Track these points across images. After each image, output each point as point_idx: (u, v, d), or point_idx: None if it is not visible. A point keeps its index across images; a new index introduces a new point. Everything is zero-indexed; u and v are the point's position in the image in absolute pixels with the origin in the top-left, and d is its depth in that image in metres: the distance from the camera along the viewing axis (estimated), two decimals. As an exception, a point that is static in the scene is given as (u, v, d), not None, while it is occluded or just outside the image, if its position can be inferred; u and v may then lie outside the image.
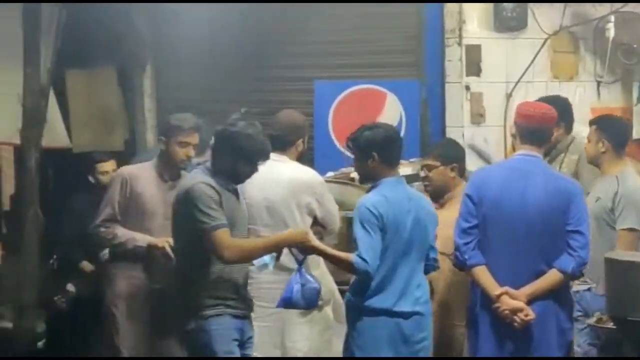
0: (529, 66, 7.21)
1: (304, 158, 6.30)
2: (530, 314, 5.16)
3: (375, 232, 5.19)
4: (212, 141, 5.27)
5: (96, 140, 8.09)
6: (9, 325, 7.01)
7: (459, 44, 7.12)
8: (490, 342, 5.27)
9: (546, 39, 7.30)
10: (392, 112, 7.14)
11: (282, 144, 5.82)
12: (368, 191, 5.42)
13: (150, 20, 8.02)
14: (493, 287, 5.20)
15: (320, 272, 5.78)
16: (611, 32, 7.36)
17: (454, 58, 7.14)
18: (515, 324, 5.17)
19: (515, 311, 5.16)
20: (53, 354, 6.99)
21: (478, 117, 7.10)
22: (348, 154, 6.99)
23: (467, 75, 7.13)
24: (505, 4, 7.08)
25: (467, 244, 5.25)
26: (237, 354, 5.23)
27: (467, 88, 7.12)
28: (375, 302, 5.28)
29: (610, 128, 5.98)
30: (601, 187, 5.90)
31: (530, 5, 7.20)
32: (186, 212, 5.12)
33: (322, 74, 7.33)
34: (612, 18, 7.34)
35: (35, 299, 6.80)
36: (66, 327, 7.18)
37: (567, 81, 7.47)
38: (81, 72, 8.19)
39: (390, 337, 5.28)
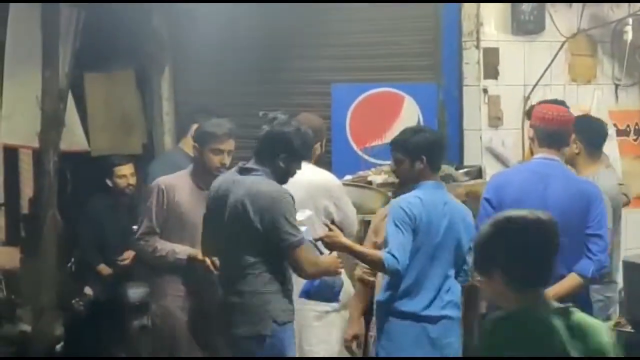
0: (546, 69, 7.19)
1: (322, 161, 6.30)
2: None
3: (407, 232, 5.19)
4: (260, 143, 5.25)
5: (114, 143, 8.11)
6: (27, 328, 7.04)
7: (477, 46, 7.10)
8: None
9: (564, 42, 7.28)
10: (409, 115, 7.12)
11: None
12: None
13: (169, 23, 8.04)
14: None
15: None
16: (629, 35, 7.34)
17: (472, 61, 7.12)
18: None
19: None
20: (71, 356, 7.01)
21: (496, 120, 7.09)
22: (366, 157, 7.03)
23: (485, 78, 7.10)
24: (523, 7, 7.06)
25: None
26: None
27: (485, 91, 7.10)
28: (403, 305, 5.28)
29: (584, 129, 5.95)
30: None
31: (548, 8, 7.18)
32: (269, 220, 5.05)
33: (339, 77, 7.32)
34: (630, 21, 7.32)
35: (53, 302, 6.83)
36: (84, 330, 7.20)
37: (585, 84, 7.44)
38: (100, 74, 8.22)
39: (417, 341, 5.27)
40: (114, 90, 8.25)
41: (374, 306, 5.48)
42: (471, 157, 7.07)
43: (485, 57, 7.08)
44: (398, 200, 5.34)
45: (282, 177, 5.23)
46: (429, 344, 5.28)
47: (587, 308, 5.34)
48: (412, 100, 7.15)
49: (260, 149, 5.22)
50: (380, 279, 5.45)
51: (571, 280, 5.21)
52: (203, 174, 5.83)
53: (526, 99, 7.10)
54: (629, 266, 5.40)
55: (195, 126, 6.91)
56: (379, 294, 5.44)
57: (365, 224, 6.12)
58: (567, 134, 5.39)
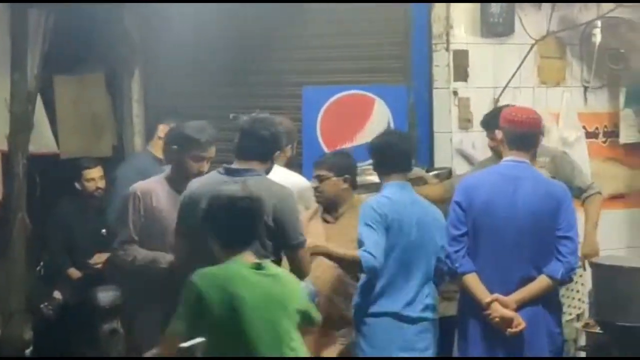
0: (516, 71, 7.21)
1: (293, 164, 6.30)
2: (521, 322, 5.18)
3: (380, 230, 5.26)
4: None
5: (84, 146, 8.06)
6: (-4, 332, 6.99)
7: (447, 49, 7.11)
8: (481, 346, 5.29)
9: (533, 45, 7.31)
10: (380, 118, 7.13)
11: None
12: None
13: (140, 25, 8.01)
14: (484, 294, 5.21)
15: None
16: (598, 38, 7.37)
17: (442, 63, 7.13)
18: (507, 333, 5.18)
19: (505, 319, 5.17)
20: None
21: (466, 123, 7.10)
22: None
23: (455, 80, 7.12)
24: (492, 10, 7.08)
25: (457, 251, 5.26)
26: None
27: (455, 93, 7.12)
28: (381, 305, 5.32)
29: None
30: None
31: (517, 10, 7.20)
32: (280, 218, 4.93)
33: (310, 80, 7.31)
34: (599, 23, 7.35)
35: (22, 306, 6.78)
36: (53, 334, 7.16)
37: (554, 86, 7.47)
38: (69, 77, 8.17)
39: (394, 341, 5.30)
40: (84, 93, 8.20)
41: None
42: (441, 159, 7.08)
43: (455, 59, 7.10)
44: (367, 202, 5.37)
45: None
46: (405, 345, 5.31)
47: (556, 309, 5.39)
48: (382, 103, 7.16)
49: (254, 148, 5.08)
50: None
51: (541, 282, 5.24)
52: (180, 179, 5.53)
53: (496, 101, 7.11)
54: (598, 268, 5.43)
55: (162, 127, 6.87)
56: (355, 297, 5.46)
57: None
58: (536, 136, 5.41)
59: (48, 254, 7.47)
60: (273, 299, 4.39)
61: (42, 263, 7.49)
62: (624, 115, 7.71)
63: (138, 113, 8.19)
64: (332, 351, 5.80)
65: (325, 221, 5.92)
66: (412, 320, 5.35)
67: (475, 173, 5.62)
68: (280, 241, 4.96)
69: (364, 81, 7.23)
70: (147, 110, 8.18)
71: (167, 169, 5.82)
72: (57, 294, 7.30)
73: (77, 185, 7.35)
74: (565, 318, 6.45)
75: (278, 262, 4.94)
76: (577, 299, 6.61)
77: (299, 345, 4.46)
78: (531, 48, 7.30)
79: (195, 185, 5.16)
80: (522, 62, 7.26)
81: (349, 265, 5.41)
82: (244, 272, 4.40)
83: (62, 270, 7.33)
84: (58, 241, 7.36)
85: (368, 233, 5.24)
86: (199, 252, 4.93)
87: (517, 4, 7.18)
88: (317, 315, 4.64)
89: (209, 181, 5.09)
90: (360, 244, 5.24)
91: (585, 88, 7.60)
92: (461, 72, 7.12)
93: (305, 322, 4.53)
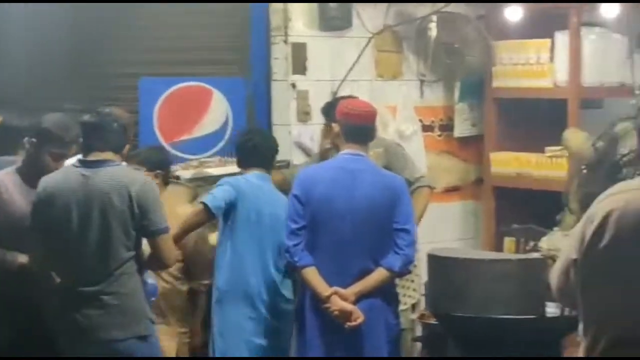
0: (353, 65, 7.27)
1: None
2: (360, 316, 5.22)
3: (227, 190, 5.74)
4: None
5: None
6: None
7: (285, 42, 7.11)
8: (320, 341, 5.31)
9: (370, 38, 7.38)
10: (218, 110, 7.09)
11: None
12: None
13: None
14: (323, 287, 5.23)
15: None
16: (433, 32, 7.48)
17: (280, 56, 7.14)
18: (346, 326, 5.22)
19: (344, 312, 5.20)
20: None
21: (304, 116, 7.12)
22: (174, 152, 6.95)
23: (294, 73, 7.13)
24: (330, 4, 7.12)
25: (296, 245, 5.27)
26: None
27: (294, 86, 7.13)
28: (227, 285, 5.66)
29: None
30: None
31: (355, 4, 7.27)
32: (144, 206, 4.84)
33: (147, 71, 7.20)
34: (434, 18, 7.46)
35: None
36: None
37: (391, 80, 7.56)
38: None
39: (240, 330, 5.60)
40: None
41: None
42: (280, 152, 7.06)
43: (294, 52, 7.11)
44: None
45: None
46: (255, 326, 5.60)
47: (393, 300, 5.45)
48: (220, 95, 7.12)
49: (107, 140, 4.95)
50: None
51: (379, 275, 5.29)
52: (34, 174, 5.16)
53: (334, 94, 7.15)
54: (433, 259, 5.51)
55: None
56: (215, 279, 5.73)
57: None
58: (373, 129, 5.46)
59: None
60: None
61: None
62: (458, 109, 7.86)
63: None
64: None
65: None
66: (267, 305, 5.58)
67: (313, 166, 5.64)
68: (145, 229, 4.88)
69: (202, 73, 7.16)
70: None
71: (17, 160, 5.50)
72: None
73: None
74: (401, 307, 6.55)
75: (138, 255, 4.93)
76: (412, 289, 6.70)
77: None
78: (368, 42, 7.37)
79: (50, 181, 4.94)
80: (360, 55, 7.32)
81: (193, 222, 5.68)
82: None
83: None
84: None
85: (216, 189, 5.71)
86: (54, 253, 4.85)
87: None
88: None
89: (66, 177, 4.91)
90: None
91: (422, 82, 7.71)
92: (300, 65, 7.13)
93: None
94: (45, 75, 7.41)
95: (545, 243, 5.96)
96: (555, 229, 6.12)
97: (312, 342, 5.31)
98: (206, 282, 5.95)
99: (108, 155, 4.91)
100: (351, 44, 7.32)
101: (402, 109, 7.53)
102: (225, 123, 7.11)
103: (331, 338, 5.29)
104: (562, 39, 7.33)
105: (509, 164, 7.63)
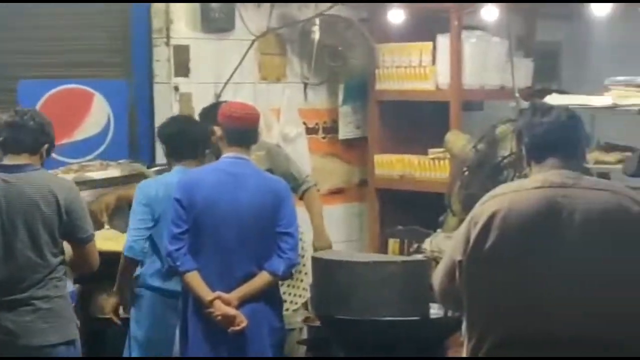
0: (237, 67, 7.24)
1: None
2: (243, 320, 5.19)
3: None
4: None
5: None
6: None
7: (167, 44, 7.05)
8: (203, 347, 5.25)
9: (253, 41, 7.35)
10: (99, 113, 6.99)
11: None
12: None
13: None
14: (205, 292, 5.18)
15: None
16: (317, 35, 7.50)
17: (162, 58, 7.07)
18: (229, 331, 5.18)
19: (228, 317, 5.17)
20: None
21: (188, 118, 7.07)
22: (55, 155, 6.82)
23: (176, 75, 7.07)
24: (213, 5, 7.08)
25: (178, 249, 5.21)
26: None
27: (176, 89, 7.07)
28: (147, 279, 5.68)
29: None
30: None
31: (238, 6, 7.23)
32: (74, 211, 4.80)
33: (27, 73, 7.06)
34: (317, 21, 7.48)
35: None
36: None
37: (275, 82, 7.55)
38: None
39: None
40: None
41: None
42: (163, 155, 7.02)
43: (176, 54, 7.05)
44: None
45: None
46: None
47: (277, 304, 5.43)
48: (101, 98, 7.02)
49: (29, 143, 4.85)
50: None
51: (262, 278, 5.25)
52: None
53: (217, 96, 7.12)
54: (318, 262, 5.50)
55: None
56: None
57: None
58: (256, 132, 5.44)
59: None
60: None
61: None
62: (342, 112, 7.89)
63: None
64: None
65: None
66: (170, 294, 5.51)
67: (195, 170, 5.58)
68: (73, 235, 4.84)
69: (83, 75, 7.06)
70: None
71: None
72: None
73: None
74: (292, 307, 6.54)
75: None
76: (302, 288, 6.71)
77: None
78: (252, 44, 7.35)
79: None
80: (243, 58, 7.29)
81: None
82: None
83: None
84: None
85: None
86: None
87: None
88: None
89: None
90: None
91: (305, 84, 7.72)
92: (182, 67, 7.08)
93: None
94: None
95: (428, 244, 6.01)
96: (439, 230, 6.17)
97: (195, 348, 5.25)
98: None
99: (25, 158, 4.84)
100: (234, 47, 7.29)
101: (286, 111, 7.53)
102: (107, 126, 7.02)
103: (215, 343, 5.24)
104: (443, 42, 7.41)
105: (392, 166, 7.69)
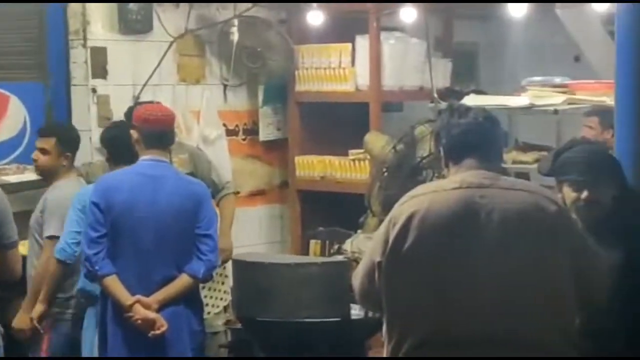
0: (155, 69, 7.18)
1: None
2: (163, 324, 5.15)
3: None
4: None
5: None
6: None
7: (84, 45, 6.97)
8: (123, 350, 5.21)
9: (172, 42, 7.30)
10: (15, 116, 6.88)
11: None
12: None
13: None
14: (125, 296, 5.14)
15: None
16: (235, 36, 7.47)
17: (79, 60, 6.98)
18: (149, 335, 5.14)
19: (148, 321, 5.12)
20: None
21: (105, 121, 6.98)
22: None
23: (93, 77, 6.98)
24: (130, 6, 7.01)
25: (97, 253, 5.15)
26: None
27: (94, 91, 6.99)
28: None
29: (65, 139, 6.06)
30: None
31: (156, 7, 7.18)
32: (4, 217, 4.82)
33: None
34: (236, 22, 7.46)
35: None
36: None
37: (194, 84, 7.50)
38: None
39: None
40: None
41: None
42: (82, 157, 6.93)
43: (93, 56, 6.97)
44: None
45: None
46: None
47: (197, 307, 5.40)
48: (17, 101, 6.92)
49: None
50: None
51: (182, 281, 5.23)
52: None
53: (136, 98, 7.05)
54: (239, 265, 5.49)
55: None
56: None
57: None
58: (172, 133, 5.42)
59: None
60: None
61: None
62: (262, 113, 7.87)
63: None
64: None
65: None
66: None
67: (113, 173, 5.53)
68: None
69: (-1, 78, 6.95)
70: None
71: None
72: None
73: None
74: (215, 311, 6.52)
75: None
76: (224, 291, 6.69)
77: None
78: (170, 45, 7.30)
79: None
80: (162, 59, 7.24)
81: None
82: None
83: None
84: None
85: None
86: None
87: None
88: None
89: None
90: None
91: (225, 86, 7.68)
92: (99, 69, 7.01)
93: None
94: None
95: (349, 245, 6.01)
96: (359, 231, 6.18)
97: (115, 353, 5.20)
98: None
99: None
100: (152, 48, 7.23)
101: (206, 113, 7.48)
102: (23, 129, 6.92)
103: (134, 348, 5.20)
104: (362, 43, 7.44)
105: (313, 167, 7.70)
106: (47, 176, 5.98)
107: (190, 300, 5.33)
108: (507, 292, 3.48)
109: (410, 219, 3.54)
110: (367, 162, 7.08)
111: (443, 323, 3.50)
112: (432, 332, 3.52)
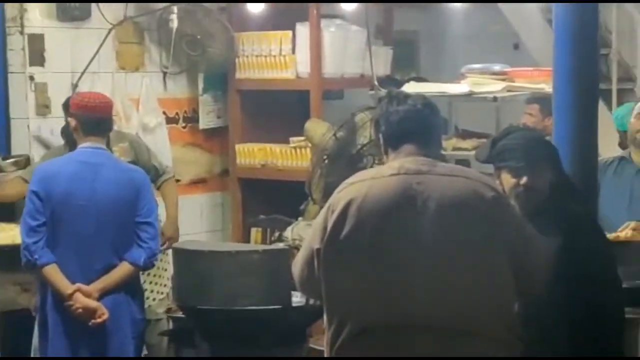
0: (93, 57, 7.12)
1: None
2: (104, 312, 5.13)
3: None
4: None
5: None
6: None
7: (21, 32, 6.90)
8: (64, 340, 5.18)
9: (111, 29, 7.25)
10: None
11: None
12: None
13: None
14: (65, 285, 5.11)
15: None
16: (175, 23, 7.43)
17: (16, 47, 6.91)
18: (90, 324, 5.11)
19: (89, 309, 5.10)
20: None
21: (43, 109, 6.94)
22: None
23: (31, 65, 6.92)
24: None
25: (36, 242, 5.12)
26: None
27: (32, 78, 6.93)
28: None
29: None
30: None
31: (94, -6, 7.13)
32: None
33: None
34: (175, 9, 7.41)
35: None
36: None
37: (134, 72, 7.46)
38: None
39: None
40: None
41: None
42: (19, 146, 6.89)
43: (31, 43, 6.91)
44: None
45: None
46: None
47: (139, 295, 5.39)
48: (-47, 89, 6.84)
49: None
50: None
51: (123, 269, 5.22)
52: None
53: (74, 86, 7.00)
54: (179, 253, 5.46)
55: None
56: None
57: None
58: (110, 121, 5.41)
59: None
60: None
61: None
62: (202, 101, 7.85)
63: None
64: None
65: None
66: None
67: (51, 160, 5.48)
68: None
69: None
70: None
71: None
72: None
73: None
74: (159, 297, 6.50)
75: None
76: (166, 278, 6.67)
77: None
78: (109, 33, 7.24)
79: None
80: (100, 47, 7.19)
81: None
82: None
83: None
84: None
85: None
86: None
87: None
88: None
89: None
90: None
91: (165, 74, 7.65)
92: (37, 56, 6.94)
93: None
94: None
95: (290, 233, 6.02)
96: (300, 218, 6.19)
97: (55, 342, 5.18)
98: None
99: None
100: (91, 35, 7.18)
101: (145, 101, 7.44)
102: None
103: (76, 337, 5.18)
104: (303, 30, 7.43)
105: (254, 155, 7.69)
106: None
107: (131, 288, 5.32)
108: (444, 278, 3.50)
109: (348, 205, 3.55)
110: (307, 149, 7.08)
111: (380, 310, 3.52)
112: (370, 319, 3.53)
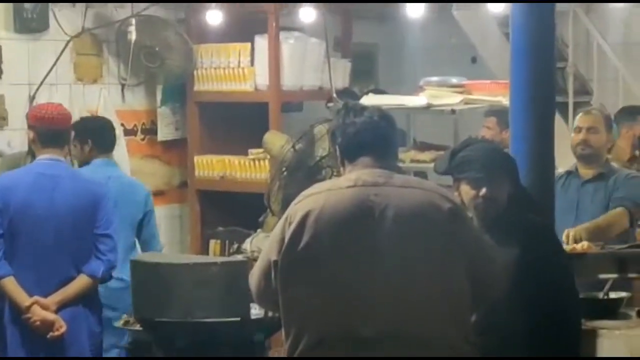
0: (51, 68, 7.11)
1: None
2: (62, 325, 5.11)
3: None
4: None
5: None
6: None
7: (-22, 44, 6.89)
8: (22, 352, 5.15)
9: (68, 41, 7.24)
10: None
11: None
12: None
13: None
14: (22, 298, 5.08)
15: None
16: (133, 35, 7.43)
17: (-26, 59, 6.90)
18: (48, 336, 5.09)
19: (47, 322, 5.07)
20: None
21: (0, 121, 6.91)
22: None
23: (-12, 77, 6.92)
24: (25, 5, 6.93)
25: (-8, 255, 5.08)
26: None
27: (-12, 90, 6.92)
28: None
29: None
30: None
31: (52, 6, 7.10)
32: None
33: None
34: (134, 21, 7.41)
35: None
36: None
37: (92, 84, 7.45)
38: None
39: None
40: None
41: None
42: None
43: (-13, 55, 6.89)
44: None
45: None
46: None
47: (97, 308, 5.36)
48: None
49: None
50: None
51: (81, 282, 5.20)
52: None
53: (32, 98, 6.98)
54: (137, 265, 5.44)
55: None
56: None
57: None
58: (69, 132, 5.39)
59: None
60: None
61: None
62: (161, 113, 7.84)
63: None
64: None
65: None
66: None
67: (10, 172, 5.46)
68: None
69: None
70: None
71: None
72: None
73: None
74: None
75: None
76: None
77: None
78: (66, 44, 7.24)
79: None
80: (58, 58, 7.18)
81: None
82: None
83: None
84: None
85: None
86: None
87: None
88: None
89: None
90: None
91: (123, 85, 7.65)
92: (-5, 68, 6.93)
93: None
94: None
95: (248, 245, 6.01)
96: (259, 230, 6.19)
97: (13, 354, 5.14)
98: None
99: None
100: (49, 47, 7.17)
101: (103, 113, 7.41)
102: None
103: (34, 349, 5.14)
104: (261, 43, 7.45)
105: (212, 167, 7.69)
106: None
107: (89, 300, 5.29)
108: (401, 289, 3.51)
109: (305, 217, 3.56)
110: (266, 161, 7.09)
111: (337, 322, 3.52)
112: (328, 330, 3.54)
